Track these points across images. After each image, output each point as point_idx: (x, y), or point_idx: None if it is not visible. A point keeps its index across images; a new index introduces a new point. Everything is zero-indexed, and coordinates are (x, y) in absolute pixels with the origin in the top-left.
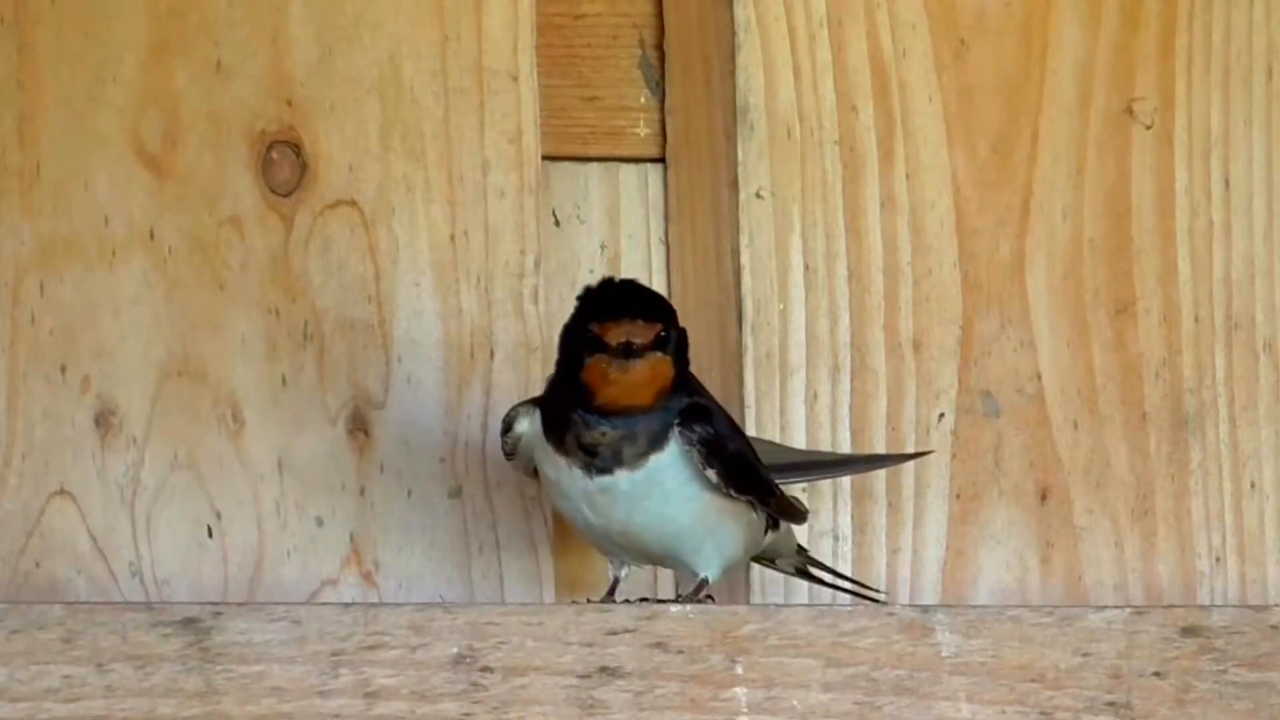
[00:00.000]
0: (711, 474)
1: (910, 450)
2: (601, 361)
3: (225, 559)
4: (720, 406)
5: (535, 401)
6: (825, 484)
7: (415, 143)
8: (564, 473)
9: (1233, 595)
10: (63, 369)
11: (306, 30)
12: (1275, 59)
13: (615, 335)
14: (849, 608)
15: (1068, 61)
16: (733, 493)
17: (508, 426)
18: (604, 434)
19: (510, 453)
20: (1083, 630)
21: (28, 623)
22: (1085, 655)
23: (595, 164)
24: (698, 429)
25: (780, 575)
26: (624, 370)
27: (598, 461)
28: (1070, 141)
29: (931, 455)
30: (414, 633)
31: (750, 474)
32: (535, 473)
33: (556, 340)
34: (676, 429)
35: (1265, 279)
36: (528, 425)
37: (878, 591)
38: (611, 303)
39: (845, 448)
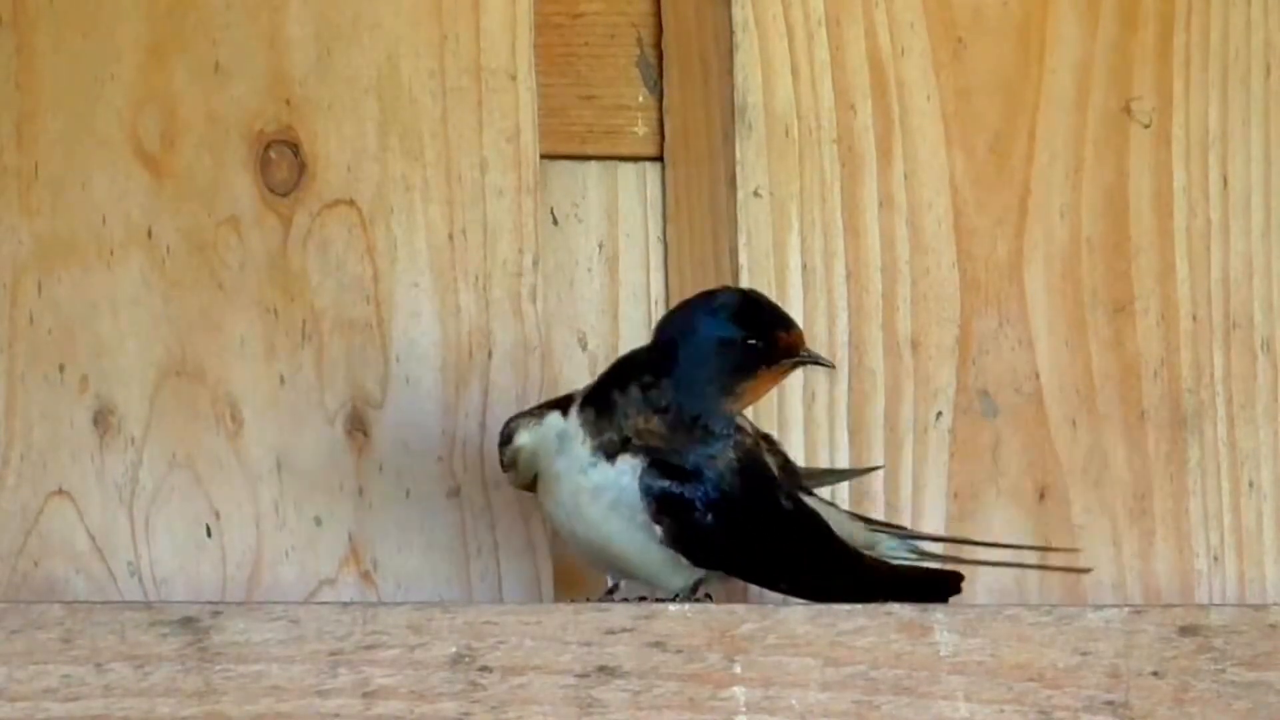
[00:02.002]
0: (659, 529)
1: (908, 449)
2: (787, 367)
3: (224, 559)
4: (749, 450)
5: (555, 404)
6: None
7: (413, 142)
8: (574, 459)
9: (1231, 594)
10: (61, 369)
11: (305, 30)
12: (1273, 57)
13: (802, 342)
14: (847, 607)
15: (1066, 61)
16: (683, 560)
17: (507, 438)
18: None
19: (508, 465)
20: (1081, 629)
21: (26, 622)
22: (1083, 654)
23: (593, 163)
24: (661, 483)
25: None
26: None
27: (618, 446)
28: (1068, 140)
29: (930, 454)
30: (412, 632)
31: (714, 547)
32: (531, 486)
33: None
34: (643, 466)
35: (1263, 278)
36: (528, 438)
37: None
38: (783, 314)
39: (843, 447)
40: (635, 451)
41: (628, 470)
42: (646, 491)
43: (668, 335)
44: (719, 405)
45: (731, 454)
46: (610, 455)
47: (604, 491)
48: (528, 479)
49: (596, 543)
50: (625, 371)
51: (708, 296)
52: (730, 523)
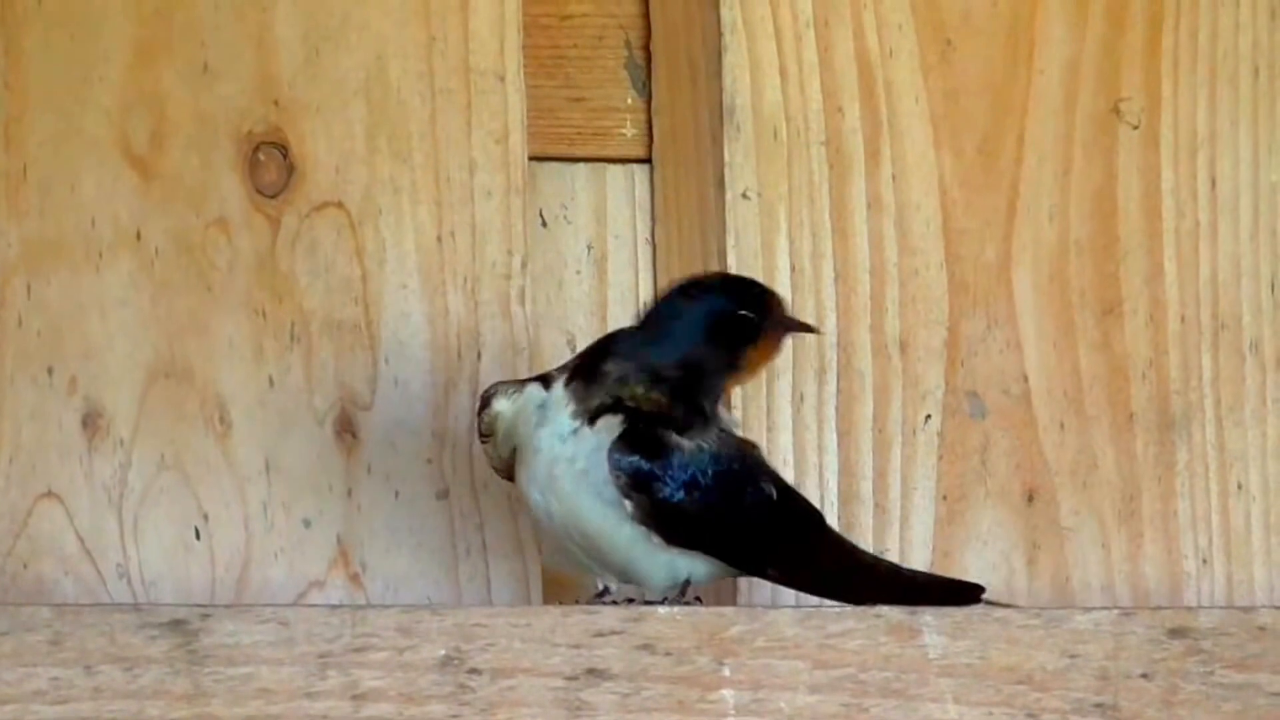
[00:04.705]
0: (629, 505)
1: (897, 451)
2: (780, 335)
3: (212, 560)
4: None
5: (535, 378)
6: (811, 485)
7: (402, 144)
8: (555, 428)
9: (1219, 596)
10: (50, 371)
11: (293, 31)
12: (1261, 59)
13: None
14: (836, 609)
15: (1054, 62)
16: (656, 538)
17: (485, 403)
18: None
19: (486, 434)
20: (1070, 632)
21: (15, 624)
22: (1072, 657)
23: (582, 165)
24: (630, 458)
25: None
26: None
27: (606, 409)
28: (1056, 142)
29: (918, 456)
30: (401, 634)
31: (686, 519)
32: (508, 471)
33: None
34: (616, 434)
35: (1251, 279)
36: (507, 405)
37: None
38: (770, 289)
39: (831, 449)
40: (618, 411)
41: (604, 431)
42: (615, 465)
43: (663, 315)
44: (720, 380)
45: (714, 434)
46: (593, 419)
47: (576, 461)
48: (506, 454)
49: (571, 524)
50: (619, 346)
51: (696, 278)
52: (704, 496)
